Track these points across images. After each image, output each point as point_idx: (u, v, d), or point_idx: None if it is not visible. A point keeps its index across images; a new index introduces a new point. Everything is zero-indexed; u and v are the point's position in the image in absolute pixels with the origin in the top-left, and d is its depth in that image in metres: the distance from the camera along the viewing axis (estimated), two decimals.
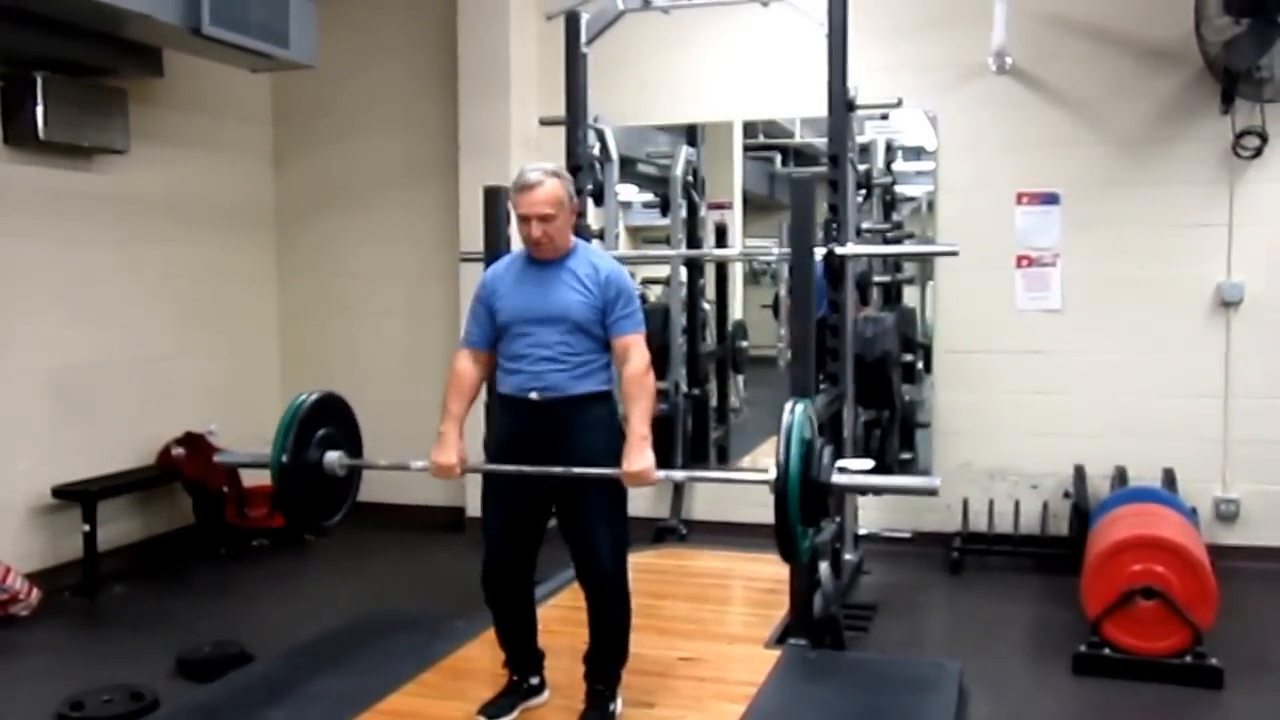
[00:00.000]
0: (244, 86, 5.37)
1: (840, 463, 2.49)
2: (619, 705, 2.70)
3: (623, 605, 2.67)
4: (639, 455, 2.53)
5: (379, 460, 2.91)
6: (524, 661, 2.78)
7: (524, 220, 2.56)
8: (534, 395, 2.57)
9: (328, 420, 2.78)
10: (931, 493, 2.55)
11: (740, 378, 5.82)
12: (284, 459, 2.66)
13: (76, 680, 3.39)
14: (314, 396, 2.77)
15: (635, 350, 2.60)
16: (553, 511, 2.68)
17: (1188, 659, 3.34)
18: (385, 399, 5.72)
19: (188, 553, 5.07)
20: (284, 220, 5.90)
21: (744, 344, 5.75)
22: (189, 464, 4.98)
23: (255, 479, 5.35)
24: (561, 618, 3.27)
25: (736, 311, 5.83)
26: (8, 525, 4.36)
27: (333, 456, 2.74)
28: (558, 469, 2.55)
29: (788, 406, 2.45)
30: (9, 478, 4.38)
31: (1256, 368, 4.60)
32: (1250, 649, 3.60)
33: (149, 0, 3.89)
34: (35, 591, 4.23)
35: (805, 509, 2.38)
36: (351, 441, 2.84)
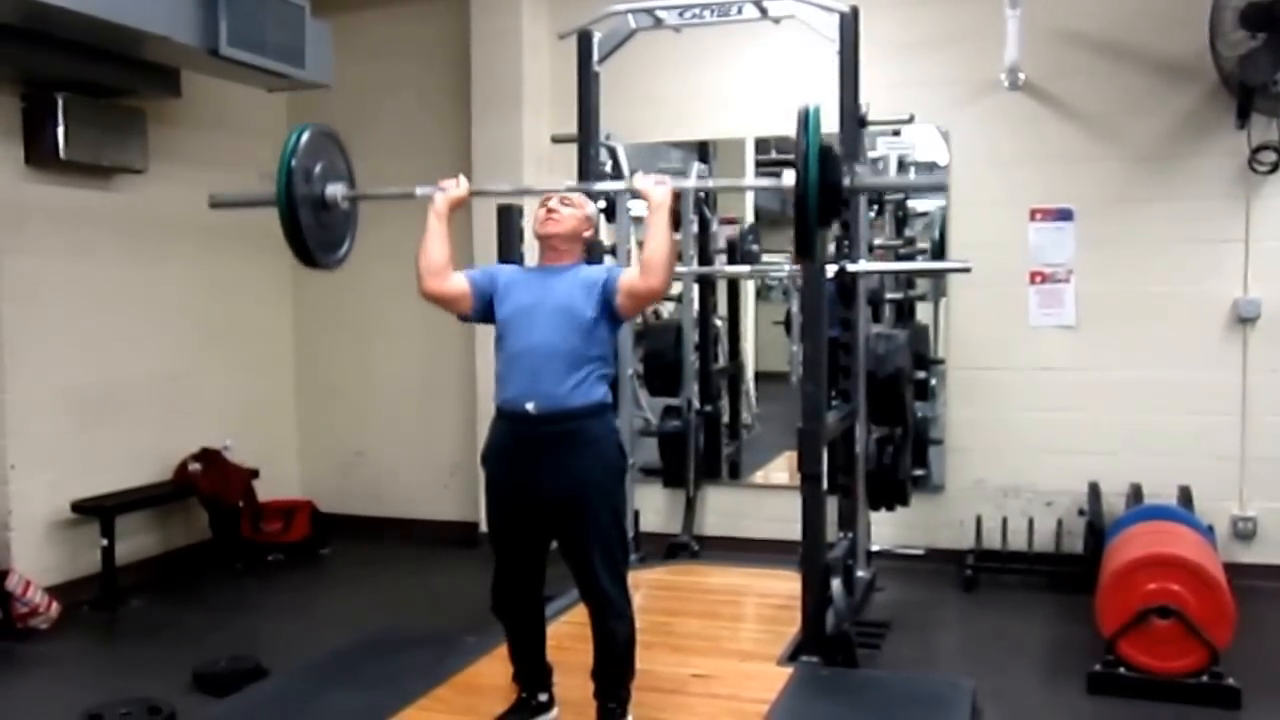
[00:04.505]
0: (260, 106, 5.43)
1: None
2: None
3: (625, 624, 2.64)
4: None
5: (382, 190, 2.99)
6: (532, 676, 2.78)
7: (544, 204, 2.68)
8: (530, 407, 2.54)
9: (325, 154, 2.81)
10: (941, 187, 2.75)
11: (753, 395, 5.81)
12: (290, 191, 2.69)
13: (95, 693, 3.41)
14: (310, 130, 2.81)
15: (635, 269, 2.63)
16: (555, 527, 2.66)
17: (1204, 679, 3.31)
18: (401, 415, 5.79)
19: (204, 567, 5.11)
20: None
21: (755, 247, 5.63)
22: (205, 479, 5.02)
23: (269, 494, 5.40)
24: (573, 634, 3.27)
25: (748, 328, 5.84)
26: (28, 539, 4.41)
27: (335, 188, 2.80)
28: (565, 183, 2.71)
29: (800, 110, 2.56)
30: (29, 492, 4.43)
31: (1274, 385, 4.56)
32: (1268, 669, 3.57)
33: (168, 22, 3.95)
34: (54, 605, 4.27)
35: (823, 209, 2.52)
36: (348, 174, 2.91)
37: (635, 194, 2.67)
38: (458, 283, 2.71)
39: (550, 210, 2.67)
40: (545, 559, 2.71)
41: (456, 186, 2.76)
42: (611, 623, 2.62)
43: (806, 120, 2.52)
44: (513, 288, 2.67)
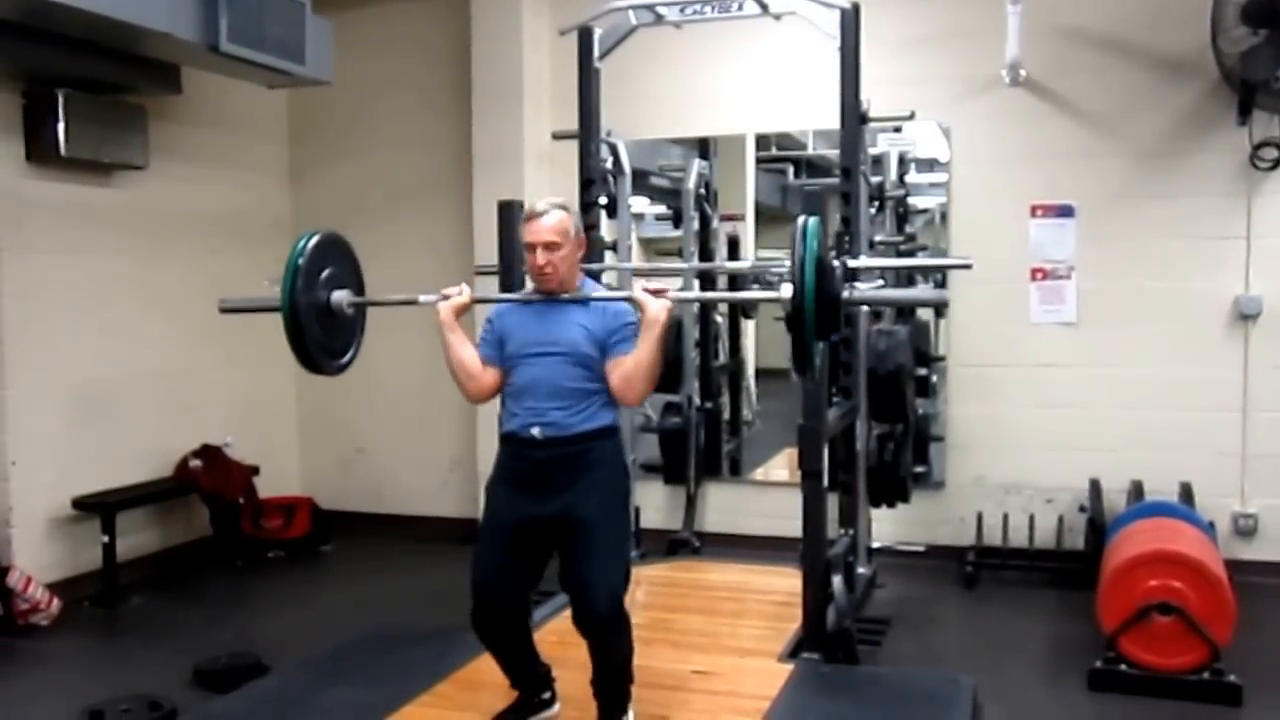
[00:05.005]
0: (261, 103, 5.43)
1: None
2: (631, 719, 2.70)
3: (623, 640, 2.62)
4: (652, 297, 2.52)
5: (388, 296, 2.90)
6: (528, 684, 2.77)
7: (530, 249, 2.60)
8: (535, 432, 2.57)
9: (332, 260, 2.78)
10: (943, 303, 2.61)
11: (754, 392, 5.82)
12: (295, 298, 2.65)
13: (95, 689, 3.42)
14: (317, 237, 2.76)
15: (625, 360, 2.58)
16: (552, 554, 2.64)
17: (1205, 676, 3.31)
18: (401, 412, 5.78)
19: (205, 564, 5.11)
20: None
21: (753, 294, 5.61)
22: (206, 476, 5.03)
23: (270, 491, 5.40)
24: (574, 630, 3.28)
25: (749, 324, 5.83)
26: (29, 536, 4.41)
27: (340, 295, 2.75)
28: (564, 295, 2.58)
29: (799, 223, 2.46)
30: (30, 489, 4.43)
31: (1275, 381, 4.55)
32: (1269, 666, 3.56)
33: (168, 18, 3.94)
34: (55, 601, 4.27)
35: (820, 322, 2.43)
36: (356, 281, 2.85)
37: (633, 302, 2.56)
38: (492, 376, 2.70)
39: (542, 267, 2.59)
40: (534, 584, 2.68)
41: (459, 294, 2.67)
42: (608, 638, 2.59)
43: (804, 232, 2.42)
44: (515, 330, 2.66)
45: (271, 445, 5.65)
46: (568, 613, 3.50)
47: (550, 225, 2.58)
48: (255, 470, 5.27)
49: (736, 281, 5.59)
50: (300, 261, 2.67)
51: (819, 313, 2.41)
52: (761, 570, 4.17)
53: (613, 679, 2.65)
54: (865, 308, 3.99)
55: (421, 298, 2.74)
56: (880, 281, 2.58)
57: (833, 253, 2.51)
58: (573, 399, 2.57)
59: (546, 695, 2.79)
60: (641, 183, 5.40)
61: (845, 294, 2.52)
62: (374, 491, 5.78)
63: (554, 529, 2.58)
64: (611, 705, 2.66)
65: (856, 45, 3.71)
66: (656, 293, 2.54)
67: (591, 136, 4.15)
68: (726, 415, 5.49)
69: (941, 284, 4.91)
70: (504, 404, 2.69)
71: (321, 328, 2.73)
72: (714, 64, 5.18)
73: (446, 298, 2.67)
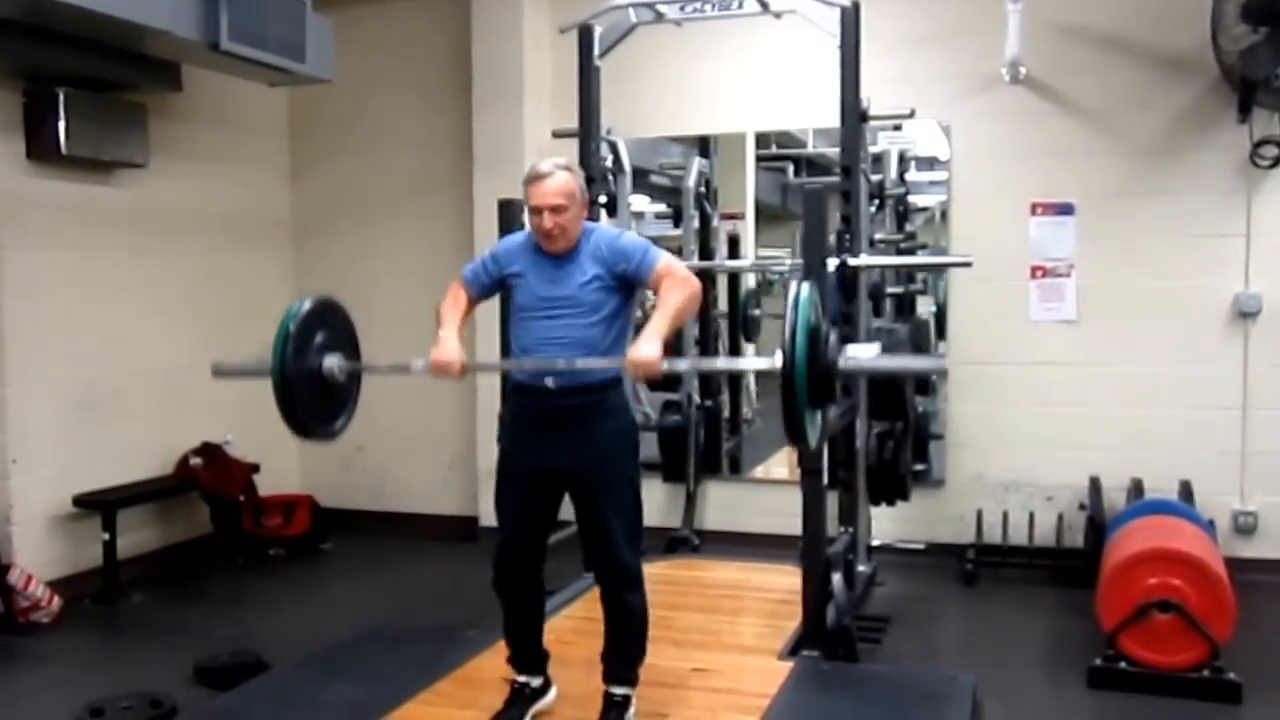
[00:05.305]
0: (261, 101, 5.44)
1: (848, 348, 2.48)
2: (633, 716, 2.69)
3: (639, 597, 2.65)
4: (647, 344, 2.46)
5: (379, 363, 2.85)
6: (529, 657, 2.78)
7: (535, 211, 2.57)
8: (549, 382, 2.58)
9: (325, 326, 2.72)
10: (941, 372, 2.52)
11: (754, 390, 5.82)
12: (284, 365, 2.59)
13: (96, 687, 3.42)
14: (310, 302, 2.71)
15: (670, 271, 2.57)
16: (564, 501, 2.68)
17: (1205, 673, 3.31)
18: (401, 410, 5.78)
19: (205, 561, 5.12)
20: (301, 233, 5.96)
21: (756, 311, 5.67)
22: (206, 474, 5.03)
23: (270, 489, 5.41)
24: (575, 628, 3.29)
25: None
26: (29, 533, 4.41)
27: (332, 361, 2.69)
28: (560, 362, 2.54)
29: (792, 288, 2.41)
30: (31, 487, 4.43)
31: (1275, 379, 4.56)
32: (1269, 663, 3.57)
33: (169, 16, 3.94)
34: (56, 599, 4.27)
35: (813, 392, 2.38)
36: (350, 347, 2.79)
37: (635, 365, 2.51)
38: (469, 297, 2.75)
39: (549, 230, 2.56)
40: (549, 534, 2.72)
41: (450, 363, 2.61)
42: (627, 595, 2.62)
43: (797, 300, 2.36)
44: (525, 275, 2.64)
45: (272, 443, 5.61)
46: (566, 611, 3.55)
47: (555, 188, 2.54)
48: (255, 468, 5.28)
49: (737, 280, 5.63)
50: (291, 328, 2.61)
51: (811, 383, 2.34)
52: (761, 568, 4.17)
53: (627, 640, 2.65)
54: (866, 301, 3.99)
55: (414, 364, 2.70)
56: (878, 347, 2.51)
57: (825, 324, 2.46)
58: (584, 350, 2.56)
59: (538, 682, 2.79)
60: (642, 181, 5.40)
61: (840, 363, 2.43)
62: (374, 489, 5.79)
63: (568, 478, 2.61)
64: (618, 686, 2.65)
65: (857, 43, 3.70)
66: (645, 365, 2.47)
67: (592, 134, 4.15)
68: (726, 413, 5.50)
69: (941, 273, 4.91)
70: (512, 351, 2.69)
71: (313, 394, 2.67)
72: (714, 62, 5.18)
73: (440, 363, 2.60)
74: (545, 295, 2.61)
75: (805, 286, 2.41)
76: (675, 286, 2.54)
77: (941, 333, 5.06)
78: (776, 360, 2.35)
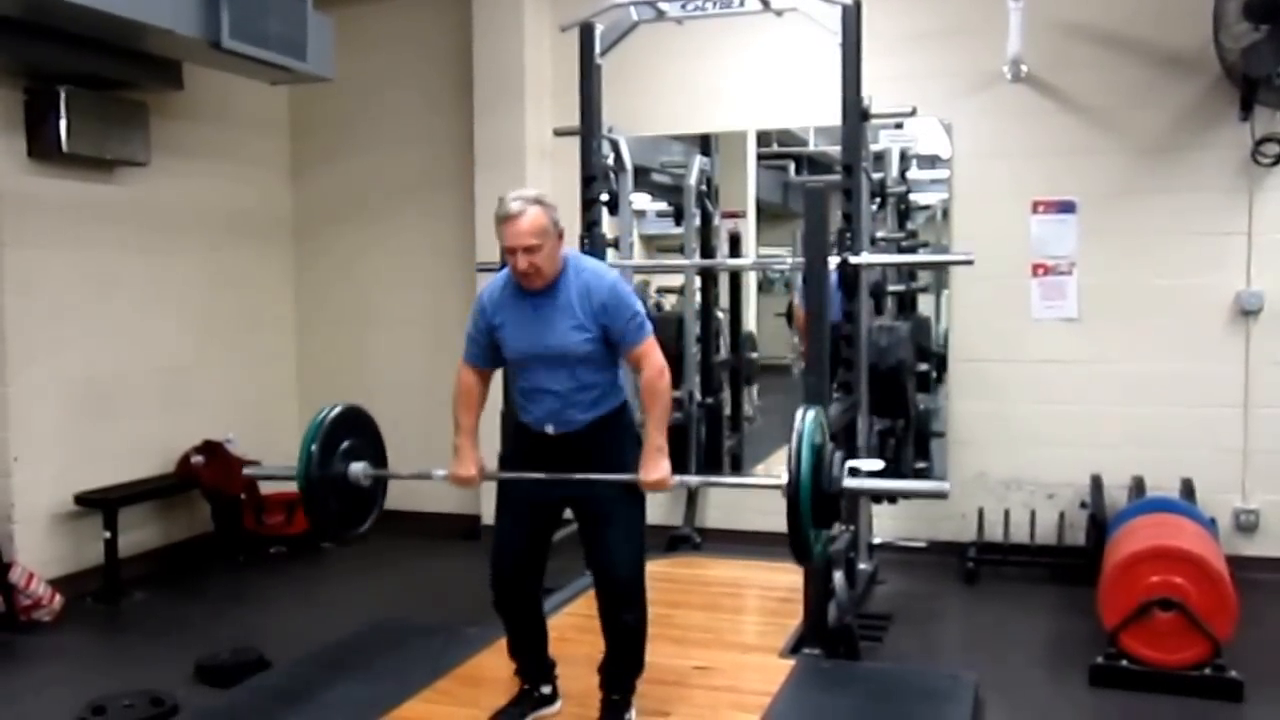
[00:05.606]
0: (262, 99, 5.44)
1: (851, 463, 2.53)
2: (634, 715, 2.70)
3: (639, 614, 2.66)
4: (655, 465, 2.57)
5: (402, 470, 2.96)
6: (535, 671, 2.79)
7: (510, 252, 2.52)
8: (549, 429, 2.62)
9: (351, 432, 2.82)
10: (941, 496, 2.58)
11: (753, 388, 5.82)
12: (310, 472, 2.69)
13: (98, 685, 3.43)
14: (337, 410, 2.81)
15: (646, 359, 2.61)
16: (564, 520, 2.70)
17: (1207, 671, 3.31)
18: (403, 408, 5.77)
19: (207, 559, 5.12)
20: (302, 231, 5.96)
21: (753, 355, 5.75)
22: (208, 472, 5.03)
23: (272, 487, 5.41)
24: (576, 625, 3.29)
25: (750, 320, 5.83)
26: (31, 532, 4.42)
27: (357, 467, 2.79)
28: (576, 475, 2.58)
29: (799, 413, 2.48)
30: (32, 485, 4.43)
31: (1276, 377, 4.55)
32: (1271, 661, 3.57)
33: (170, 15, 3.94)
34: (57, 597, 4.28)
35: (817, 513, 2.42)
36: (375, 451, 2.88)
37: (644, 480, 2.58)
38: (479, 373, 2.72)
39: (524, 271, 2.52)
40: (548, 551, 2.73)
41: (469, 475, 2.69)
42: (624, 615, 2.62)
43: (803, 422, 2.41)
44: (510, 328, 2.61)
45: (273, 441, 5.64)
46: (569, 609, 3.55)
47: (527, 227, 2.47)
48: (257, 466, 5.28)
49: (737, 279, 5.62)
50: (315, 439, 2.70)
51: (815, 504, 2.39)
52: (762, 566, 4.17)
53: (625, 653, 2.66)
54: (867, 298, 3.99)
55: (434, 473, 2.76)
56: (880, 465, 2.54)
57: (830, 446, 2.49)
58: (580, 399, 2.60)
59: (547, 690, 2.80)
60: (643, 179, 5.40)
61: (845, 484, 2.47)
62: None
63: (570, 504, 2.65)
64: (616, 693, 2.67)
65: (858, 41, 3.70)
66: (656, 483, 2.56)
67: (593, 133, 4.14)
68: (727, 411, 5.50)
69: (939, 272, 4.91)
70: (516, 394, 2.70)
71: (339, 500, 2.76)
72: (715, 60, 5.18)
73: (460, 478, 2.69)
74: (533, 349, 2.58)
75: (811, 411, 2.47)
76: (654, 392, 2.59)
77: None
78: (782, 479, 2.41)
